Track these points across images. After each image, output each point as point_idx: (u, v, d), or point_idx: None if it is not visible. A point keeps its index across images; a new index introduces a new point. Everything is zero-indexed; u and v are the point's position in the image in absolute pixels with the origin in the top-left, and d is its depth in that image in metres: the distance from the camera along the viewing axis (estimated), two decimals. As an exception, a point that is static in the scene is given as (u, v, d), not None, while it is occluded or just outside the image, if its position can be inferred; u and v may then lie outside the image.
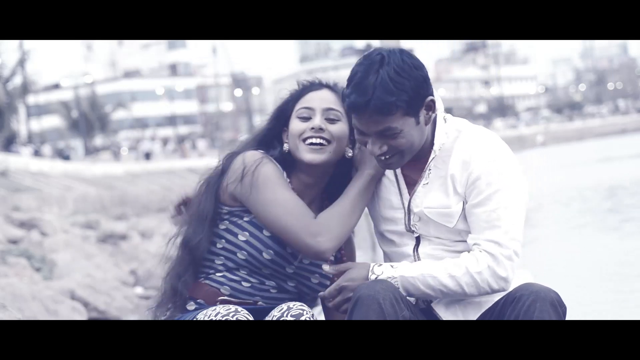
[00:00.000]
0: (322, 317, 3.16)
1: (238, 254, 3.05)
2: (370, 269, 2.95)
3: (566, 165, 34.60)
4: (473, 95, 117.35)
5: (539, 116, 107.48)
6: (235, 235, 3.06)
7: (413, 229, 3.01)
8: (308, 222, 2.96)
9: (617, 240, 10.92)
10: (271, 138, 3.14)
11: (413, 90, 2.82)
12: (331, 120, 3.06)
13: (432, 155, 2.95)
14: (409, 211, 3.00)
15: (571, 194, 19.67)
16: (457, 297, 2.94)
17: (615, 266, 8.64)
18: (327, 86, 3.13)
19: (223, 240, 3.08)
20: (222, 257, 3.08)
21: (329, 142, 3.04)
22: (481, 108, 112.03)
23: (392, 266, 2.94)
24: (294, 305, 2.88)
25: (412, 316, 2.87)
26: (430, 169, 2.96)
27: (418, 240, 3.01)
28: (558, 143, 73.56)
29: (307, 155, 3.03)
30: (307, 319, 2.84)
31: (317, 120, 3.04)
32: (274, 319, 2.86)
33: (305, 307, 2.88)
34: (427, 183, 2.96)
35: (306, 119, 3.06)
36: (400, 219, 3.02)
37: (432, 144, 2.96)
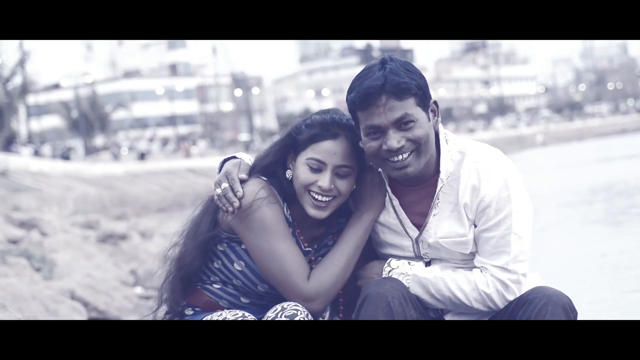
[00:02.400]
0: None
1: (234, 280, 3.04)
2: (387, 261, 2.98)
3: (566, 165, 34.58)
4: (473, 95, 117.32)
5: (539, 116, 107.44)
6: (232, 262, 3.02)
7: (424, 256, 3.01)
8: (301, 285, 2.89)
9: (617, 240, 10.91)
10: (275, 165, 3.04)
11: (421, 81, 2.84)
12: (341, 176, 2.96)
13: (439, 185, 2.93)
14: (417, 240, 2.99)
15: (571, 194, 19.66)
16: (464, 310, 2.95)
17: (615, 266, 8.64)
18: (346, 128, 2.97)
19: (220, 262, 3.05)
20: (217, 277, 3.06)
21: (334, 197, 2.96)
22: (481, 108, 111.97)
23: (409, 263, 2.96)
24: (288, 305, 2.86)
25: (420, 316, 2.89)
26: (438, 199, 2.95)
27: (429, 261, 3.02)
28: (558, 143, 73.52)
29: (311, 210, 2.96)
30: (302, 319, 2.82)
31: (327, 181, 2.93)
32: (269, 319, 2.84)
33: (300, 307, 2.85)
34: (437, 213, 2.95)
35: (316, 170, 2.95)
36: (407, 246, 3.01)
37: (437, 169, 2.94)
